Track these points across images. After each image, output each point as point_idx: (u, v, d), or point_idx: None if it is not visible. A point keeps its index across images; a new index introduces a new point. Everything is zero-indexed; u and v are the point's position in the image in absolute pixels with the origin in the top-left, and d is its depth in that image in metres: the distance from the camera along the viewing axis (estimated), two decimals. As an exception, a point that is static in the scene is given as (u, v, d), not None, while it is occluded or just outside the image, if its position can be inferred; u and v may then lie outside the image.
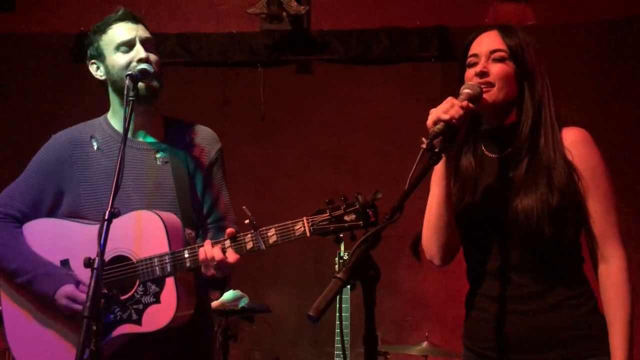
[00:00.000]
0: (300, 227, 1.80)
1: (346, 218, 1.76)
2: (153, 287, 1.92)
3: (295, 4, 4.39)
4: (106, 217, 1.67)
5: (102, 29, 2.08)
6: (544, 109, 1.75)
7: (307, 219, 1.80)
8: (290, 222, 1.82)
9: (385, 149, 4.58)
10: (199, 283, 2.04)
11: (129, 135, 2.02)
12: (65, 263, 2.04)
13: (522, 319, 1.72)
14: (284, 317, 4.23)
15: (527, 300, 1.72)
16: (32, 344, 2.04)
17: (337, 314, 1.52)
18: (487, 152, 1.83)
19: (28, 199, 2.08)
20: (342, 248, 3.32)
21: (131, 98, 1.86)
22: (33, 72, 4.78)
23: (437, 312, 4.33)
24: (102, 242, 1.64)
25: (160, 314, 1.90)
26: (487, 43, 1.77)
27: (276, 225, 1.84)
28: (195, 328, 2.04)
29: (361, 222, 1.74)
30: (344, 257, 3.34)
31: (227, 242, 1.87)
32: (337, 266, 3.35)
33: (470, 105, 1.69)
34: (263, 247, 1.84)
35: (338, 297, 1.34)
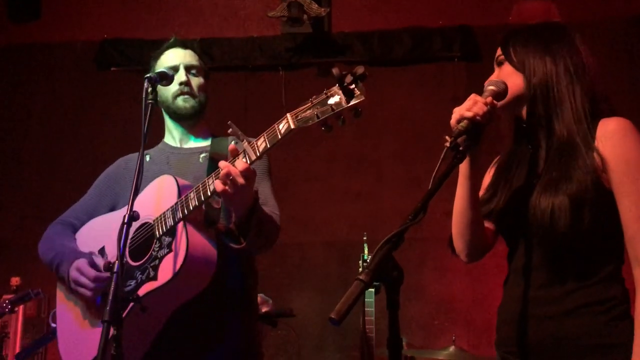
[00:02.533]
0: (285, 124, 1.66)
1: (330, 102, 1.62)
2: (167, 238, 1.91)
3: (316, 6, 4.37)
4: (125, 221, 1.66)
5: (157, 56, 2.28)
6: (550, 91, 1.67)
7: (291, 114, 1.67)
8: (275, 123, 1.71)
9: (408, 150, 4.53)
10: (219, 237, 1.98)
11: (177, 144, 2.25)
12: (102, 250, 2.12)
13: (540, 324, 1.64)
14: (308, 321, 4.20)
15: (546, 303, 1.64)
16: (72, 337, 2.10)
17: (361, 317, 1.49)
18: (523, 148, 1.79)
19: (85, 209, 2.29)
20: (366, 251, 3.27)
21: (150, 101, 1.87)
22: (58, 80, 4.84)
23: (464, 316, 4.26)
24: (121, 245, 1.63)
25: (173, 261, 1.84)
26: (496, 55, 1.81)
27: (264, 133, 1.74)
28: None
29: (346, 99, 1.60)
30: (368, 260, 3.28)
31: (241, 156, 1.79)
32: (360, 269, 3.30)
33: (495, 102, 1.65)
34: (253, 156, 1.74)
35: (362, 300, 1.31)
